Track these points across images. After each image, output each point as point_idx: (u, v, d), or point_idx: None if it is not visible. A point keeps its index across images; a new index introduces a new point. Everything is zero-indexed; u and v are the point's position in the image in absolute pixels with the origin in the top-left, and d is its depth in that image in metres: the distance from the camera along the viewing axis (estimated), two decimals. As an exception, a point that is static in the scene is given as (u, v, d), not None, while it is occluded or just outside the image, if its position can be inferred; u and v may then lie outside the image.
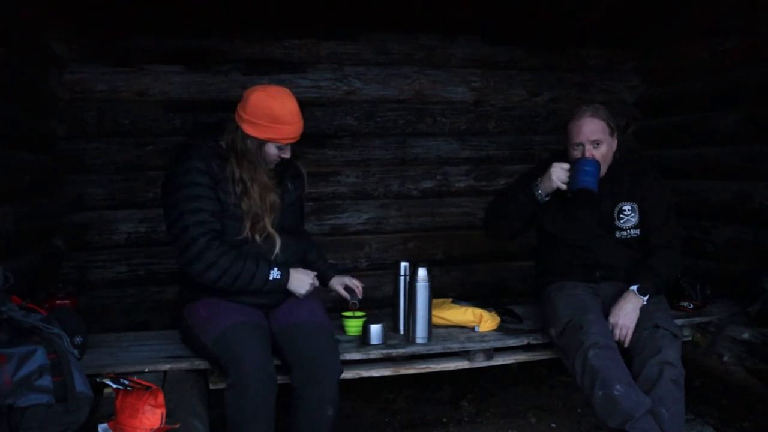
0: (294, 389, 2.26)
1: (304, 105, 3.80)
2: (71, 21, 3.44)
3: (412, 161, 4.12)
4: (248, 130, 2.26)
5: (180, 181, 2.25)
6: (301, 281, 2.41)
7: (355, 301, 2.66)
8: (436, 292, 2.72)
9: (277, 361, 2.31)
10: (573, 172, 2.53)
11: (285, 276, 2.35)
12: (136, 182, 3.71)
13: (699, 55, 3.75)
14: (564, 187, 2.54)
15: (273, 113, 2.24)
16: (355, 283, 2.69)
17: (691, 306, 3.00)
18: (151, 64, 3.66)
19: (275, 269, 2.32)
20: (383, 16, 3.71)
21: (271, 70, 3.80)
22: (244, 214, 2.29)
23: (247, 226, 2.29)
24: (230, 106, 3.70)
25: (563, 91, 4.26)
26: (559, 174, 2.54)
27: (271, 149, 2.30)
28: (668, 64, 4.09)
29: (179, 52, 3.69)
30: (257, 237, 2.32)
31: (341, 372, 2.32)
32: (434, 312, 2.76)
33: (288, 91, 2.32)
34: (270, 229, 2.33)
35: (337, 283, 2.69)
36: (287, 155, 2.34)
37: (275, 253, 2.36)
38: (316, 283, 2.50)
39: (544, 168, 2.61)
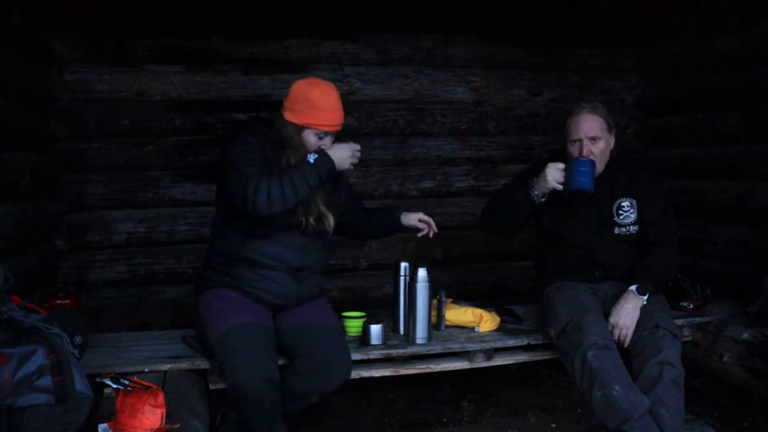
0: (297, 371, 2.25)
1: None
2: (71, 21, 3.45)
3: (412, 161, 4.12)
4: (288, 116, 2.29)
5: (234, 150, 2.28)
6: (341, 153, 2.28)
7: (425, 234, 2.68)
8: (436, 292, 2.72)
9: (282, 361, 2.31)
10: (568, 173, 2.52)
11: (324, 155, 2.25)
12: (136, 182, 3.72)
13: (699, 55, 3.75)
14: (560, 187, 2.54)
15: (310, 98, 2.27)
16: (426, 219, 2.68)
17: (691, 306, 2.99)
18: (151, 64, 3.66)
19: (308, 155, 2.25)
20: (383, 16, 3.72)
21: (272, 70, 3.81)
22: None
23: (301, 208, 2.29)
24: (230, 106, 3.78)
25: (563, 91, 4.26)
26: (554, 174, 2.54)
27: (310, 137, 2.29)
28: (668, 64, 4.09)
29: (179, 52, 3.69)
30: (311, 219, 2.34)
31: (350, 374, 2.33)
32: (434, 312, 2.77)
33: (331, 84, 2.36)
34: (322, 208, 2.35)
35: (412, 219, 2.69)
36: (327, 145, 2.32)
37: (329, 232, 2.44)
38: (357, 149, 2.33)
39: (541, 166, 2.61)
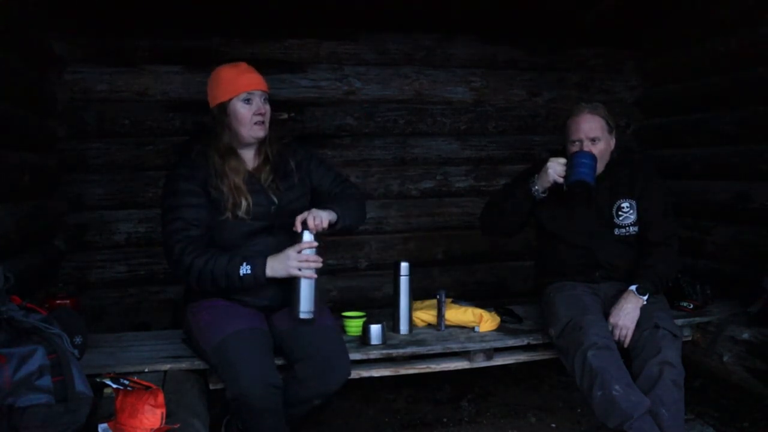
0: (296, 377, 2.23)
1: (304, 105, 3.88)
2: (71, 21, 3.45)
3: (412, 161, 4.12)
4: (212, 104, 2.31)
5: (166, 189, 2.31)
6: (281, 262, 2.18)
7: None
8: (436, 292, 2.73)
9: (279, 361, 2.31)
10: (569, 166, 2.53)
11: (259, 266, 2.18)
12: (136, 182, 3.71)
13: (699, 55, 3.75)
14: (561, 180, 2.55)
15: (219, 75, 2.31)
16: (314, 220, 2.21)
17: (691, 306, 3.00)
18: (151, 64, 3.66)
19: (244, 264, 2.17)
20: (383, 16, 3.71)
21: (271, 70, 3.79)
22: (226, 196, 2.28)
23: (228, 207, 2.27)
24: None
25: (563, 91, 4.26)
26: (556, 168, 2.55)
27: (238, 109, 2.27)
28: (668, 64, 4.09)
29: (179, 52, 3.69)
30: (240, 213, 2.28)
31: (349, 374, 2.31)
32: (434, 312, 2.77)
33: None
34: (246, 201, 2.28)
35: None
36: (262, 111, 2.29)
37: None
38: (303, 258, 2.18)
39: (541, 166, 2.62)
